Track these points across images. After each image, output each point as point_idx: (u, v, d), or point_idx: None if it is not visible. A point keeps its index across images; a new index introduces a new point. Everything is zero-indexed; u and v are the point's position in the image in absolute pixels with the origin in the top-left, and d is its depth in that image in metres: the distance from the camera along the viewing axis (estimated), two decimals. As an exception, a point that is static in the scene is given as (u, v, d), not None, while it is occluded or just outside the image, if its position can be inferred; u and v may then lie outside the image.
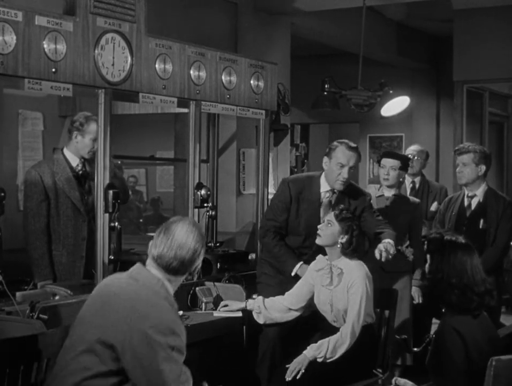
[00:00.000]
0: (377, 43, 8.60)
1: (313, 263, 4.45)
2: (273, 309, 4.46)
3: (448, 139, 9.66)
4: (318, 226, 4.35)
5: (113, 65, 4.24)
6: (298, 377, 4.05)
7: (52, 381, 2.93)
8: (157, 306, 2.86)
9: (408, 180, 6.30)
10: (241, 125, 6.35)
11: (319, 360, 4.11)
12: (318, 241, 4.34)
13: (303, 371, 4.06)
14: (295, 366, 4.08)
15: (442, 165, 9.82)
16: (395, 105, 8.34)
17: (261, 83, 5.38)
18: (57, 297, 4.10)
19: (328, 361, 4.11)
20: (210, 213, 4.98)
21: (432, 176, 9.26)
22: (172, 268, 2.93)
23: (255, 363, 4.51)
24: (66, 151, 4.72)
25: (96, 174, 4.30)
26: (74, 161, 4.71)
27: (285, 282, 4.62)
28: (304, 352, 4.12)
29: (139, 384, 2.80)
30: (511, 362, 2.82)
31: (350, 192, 4.67)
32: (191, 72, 4.79)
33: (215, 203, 5.48)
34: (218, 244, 5.35)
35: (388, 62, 9.55)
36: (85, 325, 2.92)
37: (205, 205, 4.82)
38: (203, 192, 4.81)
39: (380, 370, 4.46)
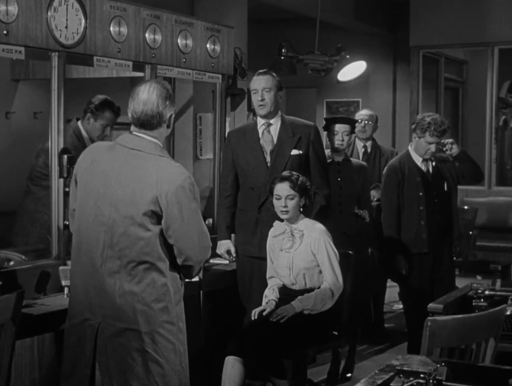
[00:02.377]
0: (335, 7, 8.58)
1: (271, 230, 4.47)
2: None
3: (404, 104, 9.74)
4: (279, 204, 4.34)
5: (66, 27, 4.17)
6: (281, 321, 4.16)
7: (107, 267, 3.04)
8: (173, 167, 3.08)
9: (359, 144, 6.37)
10: (198, 89, 6.29)
11: (305, 312, 4.25)
12: (286, 216, 4.34)
13: (286, 317, 4.17)
14: (282, 313, 4.20)
15: (398, 130, 9.89)
16: (352, 70, 8.36)
17: (218, 47, 5.34)
18: (11, 263, 4.06)
19: (313, 313, 4.26)
20: (167, 178, 4.95)
21: (388, 141, 9.33)
22: (149, 123, 3.09)
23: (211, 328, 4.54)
24: (81, 126, 4.90)
25: (50, 139, 4.24)
26: (86, 139, 4.88)
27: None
28: (292, 303, 4.24)
29: (174, 234, 3.04)
30: (447, 322, 2.86)
31: (292, 123, 4.78)
32: (146, 35, 4.73)
33: (171, 168, 5.45)
34: (175, 209, 5.31)
35: (345, 27, 9.53)
36: (116, 203, 3.04)
37: (162, 170, 4.80)
38: (159, 157, 4.78)
39: (336, 333, 4.51)
